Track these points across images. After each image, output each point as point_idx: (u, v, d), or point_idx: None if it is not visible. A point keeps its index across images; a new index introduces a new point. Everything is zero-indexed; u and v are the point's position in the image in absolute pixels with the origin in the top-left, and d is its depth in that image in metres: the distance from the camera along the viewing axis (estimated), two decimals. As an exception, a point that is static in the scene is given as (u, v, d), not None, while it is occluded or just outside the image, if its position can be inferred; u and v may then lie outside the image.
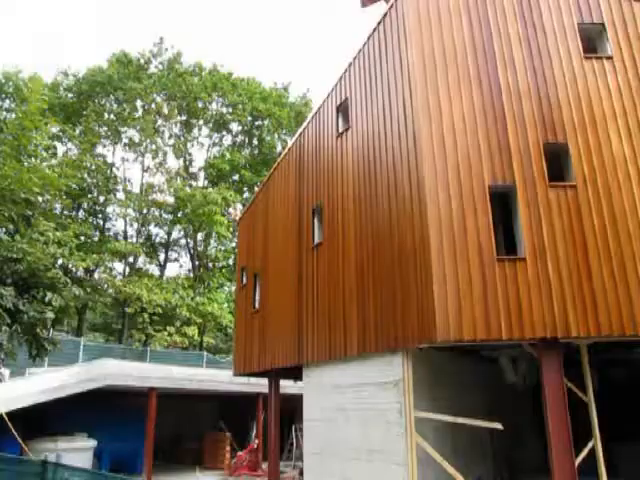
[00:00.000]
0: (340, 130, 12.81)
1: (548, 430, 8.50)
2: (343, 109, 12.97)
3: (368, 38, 12.18)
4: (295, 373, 14.50)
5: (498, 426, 9.00)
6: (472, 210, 9.05)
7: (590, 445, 9.28)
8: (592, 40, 10.92)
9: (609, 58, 10.52)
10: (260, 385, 21.25)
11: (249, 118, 43.23)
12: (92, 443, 17.31)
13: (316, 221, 13.55)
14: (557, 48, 10.49)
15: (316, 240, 13.34)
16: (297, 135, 15.82)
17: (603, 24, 10.78)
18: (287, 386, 19.71)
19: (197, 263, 41.46)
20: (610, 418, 11.53)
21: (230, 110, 42.82)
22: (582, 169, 9.56)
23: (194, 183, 41.71)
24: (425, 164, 9.24)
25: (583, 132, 9.84)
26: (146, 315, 33.19)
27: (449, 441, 10.52)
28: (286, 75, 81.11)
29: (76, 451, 16.07)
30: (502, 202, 9.92)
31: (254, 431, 24.83)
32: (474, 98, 9.87)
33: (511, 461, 13.24)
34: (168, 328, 33.87)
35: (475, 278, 8.68)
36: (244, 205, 35.59)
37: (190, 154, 42.83)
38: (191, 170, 42.79)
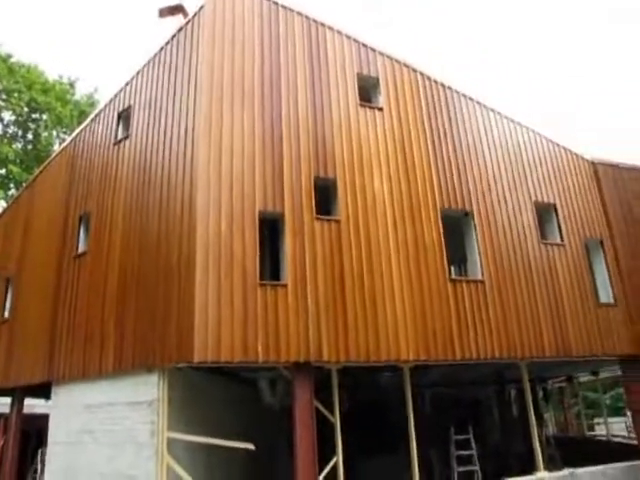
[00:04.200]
0: (119, 138, 12.26)
1: (295, 447, 8.86)
2: (125, 116, 12.44)
3: (160, 49, 11.91)
4: (46, 391, 13.26)
5: (250, 446, 9.15)
6: (240, 234, 9.21)
7: (334, 461, 9.82)
8: (367, 90, 11.97)
9: (380, 109, 11.64)
10: (3, 405, 19.02)
11: (26, 109, 39.37)
12: None
13: (82, 229, 12.67)
14: (337, 92, 11.32)
15: (80, 249, 12.45)
16: (73, 135, 14.74)
17: (377, 78, 11.88)
18: (37, 405, 17.94)
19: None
20: (357, 436, 12.41)
21: (4, 97, 38.62)
22: (347, 205, 10.35)
23: (-50, 173, 36.73)
24: (199, 182, 9.22)
25: (351, 171, 10.68)
26: None
27: (203, 462, 10.39)
28: (75, 71, 75.61)
29: None
30: (273, 229, 10.26)
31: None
32: (255, 125, 10.15)
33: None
34: None
35: (237, 300, 8.80)
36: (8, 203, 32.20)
37: (-51, 140, 37.74)
38: (-52, 158, 37.61)
